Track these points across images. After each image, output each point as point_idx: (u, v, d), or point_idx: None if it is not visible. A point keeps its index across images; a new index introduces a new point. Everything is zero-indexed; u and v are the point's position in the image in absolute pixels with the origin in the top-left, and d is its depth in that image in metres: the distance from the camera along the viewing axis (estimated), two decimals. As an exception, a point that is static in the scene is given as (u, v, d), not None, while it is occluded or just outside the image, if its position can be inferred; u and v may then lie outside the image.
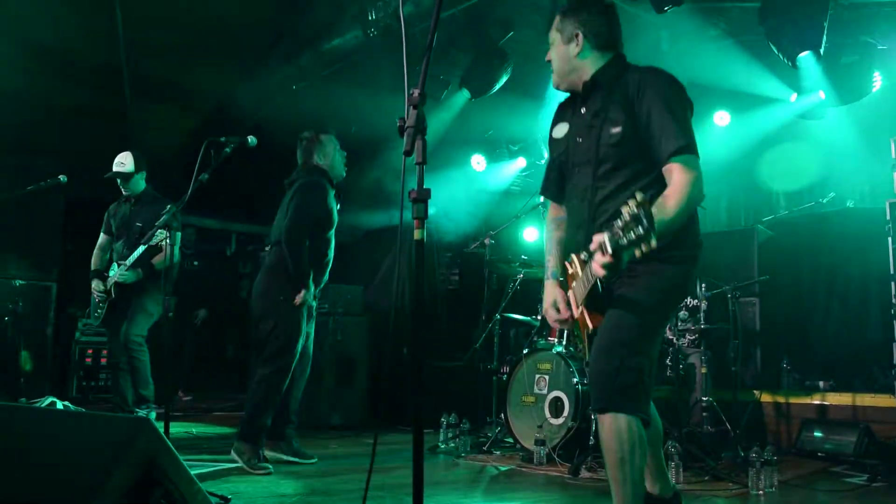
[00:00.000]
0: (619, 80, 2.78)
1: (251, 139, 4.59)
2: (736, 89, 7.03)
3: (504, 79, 7.10)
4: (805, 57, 5.48)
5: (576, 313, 2.84)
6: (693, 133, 2.69)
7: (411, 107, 2.12)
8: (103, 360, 8.18)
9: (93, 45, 6.59)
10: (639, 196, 2.18)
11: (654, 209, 2.21)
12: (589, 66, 2.85)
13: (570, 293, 2.87)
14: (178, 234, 5.90)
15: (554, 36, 2.91)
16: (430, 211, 2.15)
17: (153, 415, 5.66)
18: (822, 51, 5.40)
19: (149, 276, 5.78)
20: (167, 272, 5.29)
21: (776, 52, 5.56)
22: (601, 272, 2.42)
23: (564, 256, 2.98)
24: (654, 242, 2.16)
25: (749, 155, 7.62)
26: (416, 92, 2.13)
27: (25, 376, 6.68)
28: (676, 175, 2.59)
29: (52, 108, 7.37)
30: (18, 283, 7.05)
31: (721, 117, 7.44)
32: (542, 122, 8.41)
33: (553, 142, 3.01)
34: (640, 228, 2.15)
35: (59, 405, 5.19)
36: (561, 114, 3.03)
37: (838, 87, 6.13)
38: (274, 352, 4.68)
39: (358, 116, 8.08)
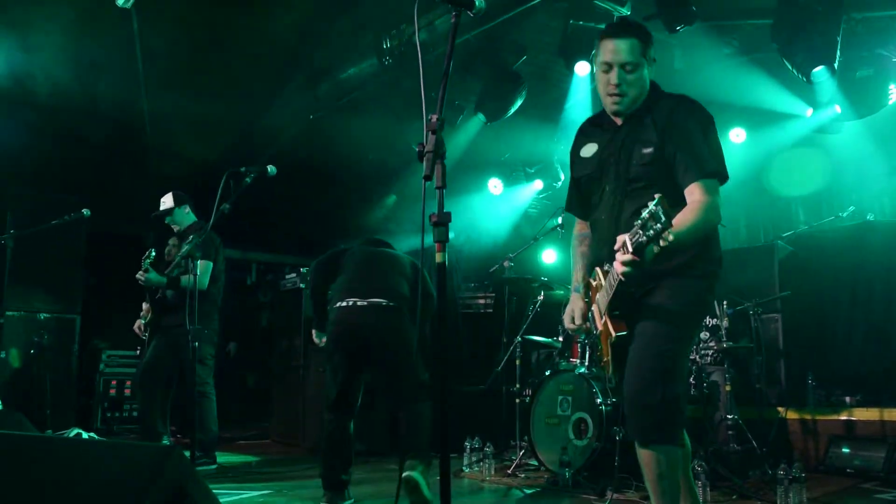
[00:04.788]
0: (656, 104, 2.86)
1: (271, 168, 4.65)
2: (751, 106, 7.04)
3: (519, 102, 7.15)
4: (819, 72, 5.48)
5: (598, 325, 2.88)
6: (723, 159, 2.78)
7: (430, 132, 2.15)
8: (127, 391, 8.24)
9: (113, 81, 6.71)
10: (657, 196, 2.26)
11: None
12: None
13: (593, 306, 2.93)
14: (209, 264, 5.79)
15: (641, 61, 2.81)
16: (450, 236, 2.18)
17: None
18: (836, 65, 5.40)
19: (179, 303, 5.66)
20: (190, 299, 5.14)
21: (790, 67, 5.57)
22: (622, 269, 2.48)
23: (588, 271, 3.05)
24: (671, 237, 2.27)
25: (766, 171, 7.60)
26: (435, 117, 2.16)
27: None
28: (697, 195, 2.68)
29: (74, 144, 7.49)
30: (43, 316, 7.16)
31: (737, 134, 7.45)
32: (559, 143, 8.45)
33: (579, 161, 3.05)
34: (659, 224, 2.25)
35: (85, 436, 5.22)
36: (588, 134, 3.08)
37: (854, 100, 6.13)
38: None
39: (374, 143, 8.16)
